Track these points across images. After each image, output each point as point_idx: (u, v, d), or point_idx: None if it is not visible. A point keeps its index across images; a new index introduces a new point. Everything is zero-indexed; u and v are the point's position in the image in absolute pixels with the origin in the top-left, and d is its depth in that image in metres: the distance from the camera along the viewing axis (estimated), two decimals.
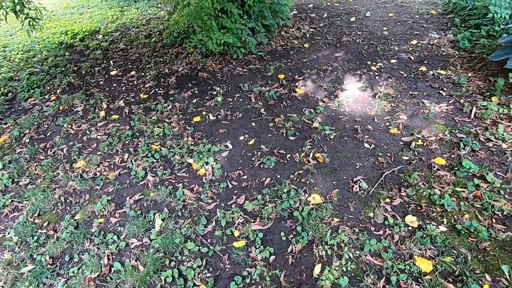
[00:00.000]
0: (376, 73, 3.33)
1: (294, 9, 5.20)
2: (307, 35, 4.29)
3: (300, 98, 3.05)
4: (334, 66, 3.54)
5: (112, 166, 2.48)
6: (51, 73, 3.94)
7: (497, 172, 2.11)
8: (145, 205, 2.15)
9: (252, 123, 2.79)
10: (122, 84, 3.57)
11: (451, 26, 4.08)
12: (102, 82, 3.67)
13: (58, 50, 4.58)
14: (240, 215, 1.99)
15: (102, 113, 3.07)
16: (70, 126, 2.97)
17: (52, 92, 3.55)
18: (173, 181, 2.30)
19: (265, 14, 4.01)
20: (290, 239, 1.84)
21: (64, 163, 2.57)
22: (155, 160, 2.48)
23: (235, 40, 3.52)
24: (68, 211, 2.19)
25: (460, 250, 1.69)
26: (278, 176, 2.26)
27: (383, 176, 2.17)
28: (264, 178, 2.25)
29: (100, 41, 4.70)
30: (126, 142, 2.70)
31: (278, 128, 2.70)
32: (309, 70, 3.49)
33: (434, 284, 1.54)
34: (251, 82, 3.34)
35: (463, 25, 3.98)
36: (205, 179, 2.29)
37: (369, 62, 3.54)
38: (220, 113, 2.92)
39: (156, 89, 3.39)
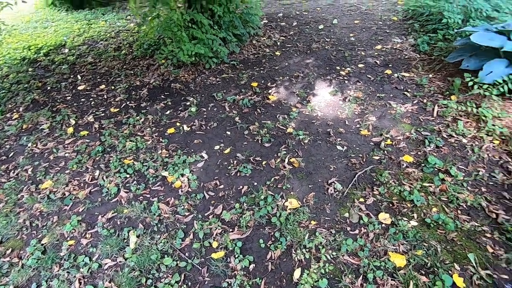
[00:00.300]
0: (345, 78, 3.46)
1: (265, 18, 5.31)
2: (278, 43, 4.39)
3: (273, 105, 3.10)
4: (305, 72, 3.63)
5: (82, 185, 2.38)
6: (13, 90, 3.74)
7: (460, 166, 2.24)
8: (119, 222, 2.07)
9: (227, 132, 2.78)
10: (91, 99, 3.46)
11: (411, 31, 4.34)
12: (69, 97, 3.53)
13: (21, 66, 4.37)
14: (218, 226, 1.96)
15: (70, 130, 2.95)
16: (35, 145, 2.82)
17: (15, 110, 3.36)
18: (148, 195, 2.24)
19: (235, 24, 4.07)
20: (269, 246, 1.83)
21: (29, 184, 2.43)
22: (128, 175, 2.40)
23: (206, 51, 3.53)
24: (35, 235, 2.05)
25: (431, 243, 1.76)
26: (255, 183, 2.26)
27: (356, 176, 2.24)
28: (241, 186, 2.25)
29: (66, 55, 4.54)
30: (97, 159, 2.60)
31: (253, 135, 2.72)
32: (281, 77, 3.56)
33: (408, 277, 1.59)
34: (225, 91, 3.35)
35: (422, 30, 4.24)
36: (181, 191, 2.25)
37: (338, 67, 3.67)
38: (194, 124, 2.90)
39: (128, 102, 3.31)
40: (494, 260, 1.67)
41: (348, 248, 1.77)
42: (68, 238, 2.00)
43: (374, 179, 2.21)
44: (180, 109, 3.13)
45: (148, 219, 2.06)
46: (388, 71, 3.48)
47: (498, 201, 1.97)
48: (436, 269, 1.63)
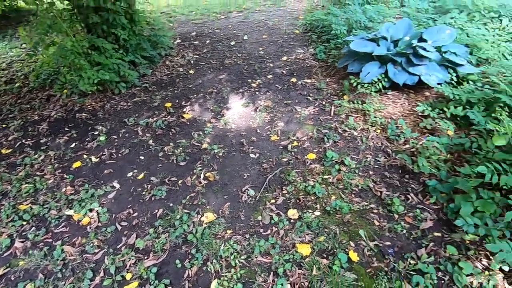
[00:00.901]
0: (256, 89, 3.70)
1: (178, 38, 5.37)
2: (192, 61, 4.47)
3: (188, 123, 3.13)
4: (219, 87, 3.77)
5: None
6: None
7: (352, 156, 2.58)
8: (13, 278, 1.82)
9: (141, 157, 2.71)
10: None
11: (311, 42, 4.87)
12: None
13: None
14: (132, 256, 1.89)
15: None
16: None
17: None
18: (50, 240, 2.03)
19: (143, 46, 4.02)
20: (185, 264, 1.83)
21: None
22: (24, 222, 2.14)
23: (112, 76, 3.41)
24: None
25: (331, 228, 1.98)
26: (171, 204, 2.24)
27: (267, 180, 2.40)
28: (156, 210, 2.20)
29: None
30: None
31: (168, 156, 2.70)
32: (195, 95, 3.62)
33: (312, 263, 1.76)
34: (137, 115, 3.26)
35: (319, 40, 4.80)
36: (90, 227, 2.10)
37: (249, 80, 3.90)
38: (104, 153, 2.75)
39: (23, 140, 2.97)
40: (380, 231, 1.95)
41: (261, 249, 1.88)
42: None
43: (283, 180, 2.40)
44: (87, 140, 2.94)
45: (49, 266, 1.86)
46: (293, 79, 3.84)
47: (382, 181, 2.32)
48: (335, 250, 1.84)
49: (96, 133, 3.01)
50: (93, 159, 2.69)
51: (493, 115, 2.25)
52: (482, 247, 1.72)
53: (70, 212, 2.19)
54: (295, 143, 2.77)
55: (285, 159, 2.60)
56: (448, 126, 2.55)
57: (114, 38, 3.75)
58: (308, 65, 4.22)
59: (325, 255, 1.83)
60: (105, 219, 2.14)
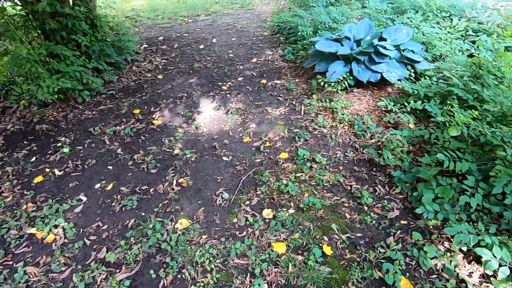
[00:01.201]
0: (227, 92, 3.69)
1: (144, 43, 5.24)
2: (160, 66, 4.38)
3: (158, 129, 3.06)
4: (189, 92, 3.72)
5: None
6: None
7: (323, 153, 2.65)
8: None
9: (109, 167, 2.61)
10: None
11: (279, 44, 4.96)
12: None
13: None
14: (102, 270, 1.80)
15: None
16: None
17: None
18: (10, 262, 1.89)
19: (107, 52, 3.88)
20: (160, 274, 1.78)
21: None
22: None
23: (74, 84, 3.25)
24: None
25: (305, 224, 2.02)
26: (143, 214, 2.17)
27: (241, 182, 2.40)
28: (127, 221, 2.13)
29: None
30: None
31: (138, 164, 2.62)
32: (165, 100, 3.55)
33: (288, 261, 1.79)
34: (103, 123, 3.14)
35: (286, 42, 4.90)
36: (55, 245, 1.98)
37: (220, 83, 3.89)
38: (68, 166, 2.61)
39: None
40: (351, 224, 2.03)
41: (237, 251, 1.87)
42: None
43: (257, 180, 2.41)
44: (49, 152, 2.77)
45: None
46: (264, 81, 3.88)
47: (351, 175, 2.41)
48: (310, 245, 1.88)
49: (59, 144, 2.85)
50: (57, 172, 2.55)
51: (445, 108, 2.41)
52: (443, 231, 1.83)
53: (32, 230, 2.05)
54: (268, 144, 2.80)
55: (258, 160, 2.62)
56: (409, 120, 2.71)
57: (75, 45, 3.58)
58: (277, 66, 4.28)
59: (300, 252, 1.86)
60: (71, 235, 2.03)
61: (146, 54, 4.74)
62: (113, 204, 2.26)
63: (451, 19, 4.04)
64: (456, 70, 2.92)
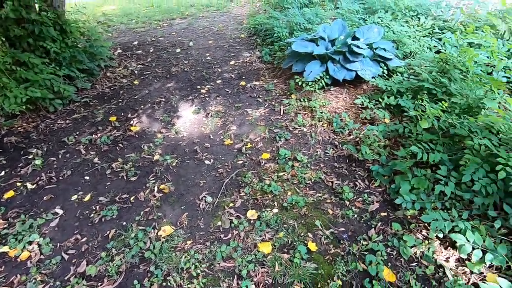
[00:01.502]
0: (206, 95, 3.67)
1: (119, 48, 5.10)
2: (136, 71, 4.28)
3: (137, 136, 2.99)
4: (167, 96, 3.66)
5: None
6: None
7: (304, 151, 2.69)
8: None
9: (86, 177, 2.51)
10: None
11: (256, 45, 4.99)
12: None
13: None
14: (83, 285, 1.73)
15: None
16: None
17: None
18: None
19: (79, 58, 3.74)
20: (144, 283, 1.74)
21: None
22: None
23: (44, 93, 3.11)
24: None
25: (289, 223, 2.04)
26: (124, 223, 2.11)
27: (224, 184, 2.39)
28: (107, 232, 2.05)
29: None
30: None
31: (117, 172, 2.54)
32: (142, 106, 3.47)
33: (274, 260, 1.80)
34: (78, 132, 3.02)
35: (263, 43, 4.93)
36: (31, 262, 1.88)
37: (198, 87, 3.86)
38: (41, 178, 2.49)
39: None
40: (334, 219, 2.07)
41: (223, 254, 1.86)
42: None
43: (240, 182, 2.41)
44: (20, 165, 2.63)
45: None
46: (243, 83, 3.89)
47: (332, 172, 2.46)
48: (295, 243, 1.90)
49: (31, 157, 2.72)
50: (29, 186, 2.42)
51: (416, 102, 2.53)
52: (420, 219, 1.91)
53: (4, 249, 1.94)
54: (249, 145, 2.80)
55: (240, 162, 2.62)
56: (384, 115, 2.81)
57: (44, 52, 3.44)
58: (255, 67, 4.31)
59: (285, 250, 1.87)
60: (48, 250, 1.94)
61: (120, 60, 4.62)
62: (92, 215, 2.18)
63: (419, 18, 4.23)
64: (425, 66, 3.06)
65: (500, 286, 1.50)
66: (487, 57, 2.91)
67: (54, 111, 3.30)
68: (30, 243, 1.98)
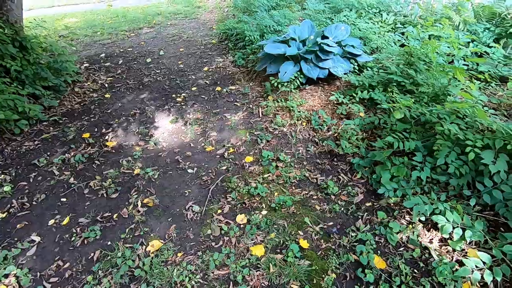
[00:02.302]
0: (182, 103, 3.61)
1: (85, 62, 4.89)
2: (106, 84, 4.13)
3: (114, 151, 2.88)
4: (142, 108, 3.57)
5: None
6: None
7: (286, 151, 2.72)
8: None
9: (62, 199, 2.38)
10: None
11: (228, 50, 4.99)
12: None
13: None
14: None
15: None
16: None
17: None
18: None
19: (43, 75, 3.55)
20: None
21: None
22: None
23: (8, 114, 2.92)
24: None
25: (279, 223, 2.06)
26: (109, 243, 2.02)
27: (210, 192, 2.36)
28: (92, 254, 1.95)
29: None
30: None
31: (96, 191, 2.43)
32: (117, 119, 3.35)
33: (268, 262, 1.80)
34: (49, 153, 2.85)
35: (235, 48, 4.95)
36: None
37: (174, 95, 3.79)
38: (12, 205, 2.32)
39: None
40: (322, 214, 2.11)
41: (216, 262, 1.83)
42: None
43: (226, 188, 2.39)
44: None
45: None
46: (218, 88, 3.87)
47: (315, 168, 2.51)
48: (287, 243, 1.91)
49: None
50: None
51: (387, 94, 2.65)
52: (403, 206, 1.99)
53: None
54: (231, 150, 2.79)
55: (224, 167, 2.60)
56: (359, 109, 2.91)
57: (3, 71, 3.22)
58: (229, 72, 4.31)
59: (278, 250, 1.88)
60: (27, 282, 1.81)
61: (88, 74, 4.44)
62: (73, 238, 2.06)
63: (381, 15, 4.44)
64: (392, 60, 3.22)
65: (481, 260, 1.59)
66: (448, 47, 3.11)
67: (20, 132, 3.09)
68: (6, 276, 1.84)
